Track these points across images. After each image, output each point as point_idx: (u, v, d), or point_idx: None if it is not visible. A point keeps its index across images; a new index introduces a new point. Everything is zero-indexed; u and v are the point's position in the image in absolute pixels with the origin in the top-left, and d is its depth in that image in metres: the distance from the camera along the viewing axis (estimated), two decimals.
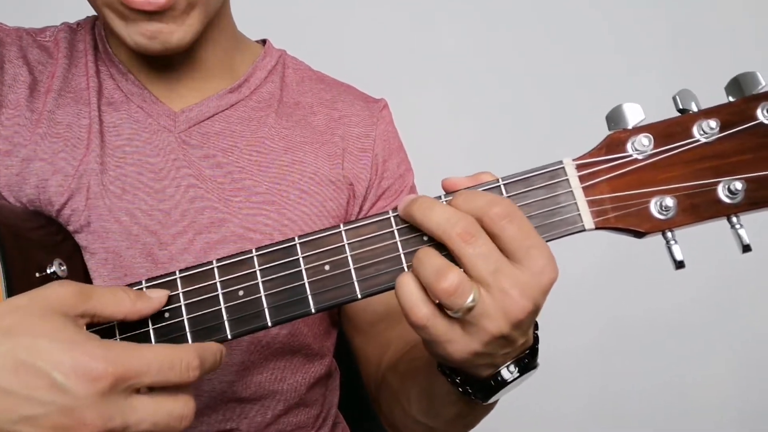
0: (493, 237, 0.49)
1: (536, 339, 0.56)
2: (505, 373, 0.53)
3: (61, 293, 0.47)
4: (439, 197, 0.53)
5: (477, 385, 0.55)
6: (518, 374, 0.53)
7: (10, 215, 0.69)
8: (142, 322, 0.54)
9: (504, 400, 0.57)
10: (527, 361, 0.54)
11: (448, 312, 0.48)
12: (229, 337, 0.54)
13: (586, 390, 1.65)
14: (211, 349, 0.51)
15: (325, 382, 0.88)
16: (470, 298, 0.47)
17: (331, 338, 0.88)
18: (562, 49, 1.53)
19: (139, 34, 0.67)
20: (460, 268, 0.49)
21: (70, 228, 0.72)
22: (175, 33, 0.69)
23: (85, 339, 0.45)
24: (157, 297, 0.53)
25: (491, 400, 0.56)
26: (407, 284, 0.50)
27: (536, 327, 0.56)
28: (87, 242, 0.72)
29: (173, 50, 0.70)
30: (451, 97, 1.54)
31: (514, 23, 1.53)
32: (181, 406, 0.48)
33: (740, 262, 1.49)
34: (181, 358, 0.47)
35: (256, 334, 0.75)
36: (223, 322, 0.54)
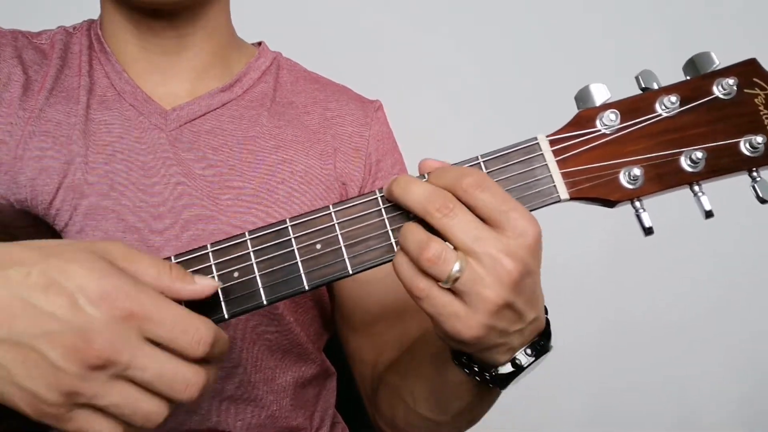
0: (470, 207, 0.51)
1: (548, 323, 0.58)
2: (522, 357, 0.55)
3: (110, 246, 0.49)
4: (423, 176, 0.56)
5: (494, 373, 0.56)
6: (534, 357, 0.55)
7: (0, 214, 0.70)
8: None
9: (505, 396, 0.59)
10: (543, 344, 0.56)
11: (439, 283, 0.50)
12: (226, 316, 0.56)
13: (586, 387, 1.66)
14: (225, 337, 0.51)
15: (321, 382, 0.88)
16: (455, 267, 0.49)
17: (322, 339, 0.88)
18: (556, 49, 1.56)
19: None
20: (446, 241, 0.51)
21: (57, 227, 0.73)
22: None
23: (118, 273, 0.47)
24: (201, 285, 0.52)
25: (509, 386, 0.57)
26: (401, 262, 0.52)
27: (546, 311, 0.58)
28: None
29: (172, 0, 0.73)
30: (443, 99, 1.56)
31: (509, 22, 1.56)
32: (192, 374, 0.48)
33: (741, 258, 1.55)
34: (198, 328, 0.48)
35: (246, 333, 0.77)
36: (220, 303, 0.55)
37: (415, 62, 1.54)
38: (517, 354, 0.55)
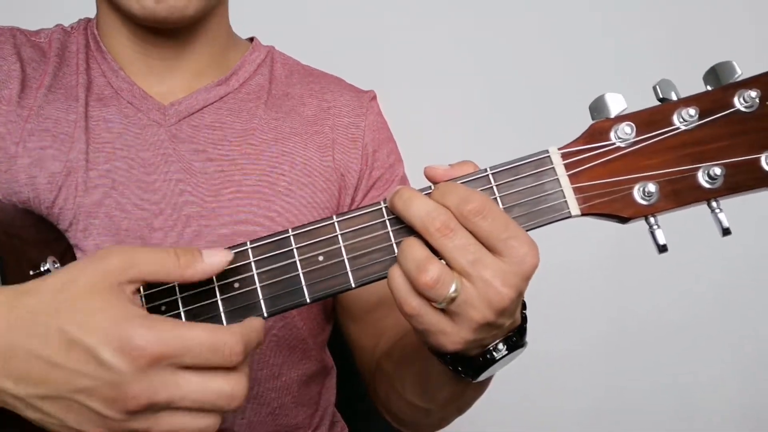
0: (471, 233, 0.50)
1: (524, 318, 0.57)
2: (494, 352, 0.55)
3: (105, 266, 0.48)
4: (429, 187, 0.54)
5: (467, 364, 0.57)
6: (506, 352, 0.55)
7: (1, 214, 0.70)
8: None
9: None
10: (515, 339, 0.56)
11: (433, 303, 0.50)
12: None
13: (589, 388, 1.65)
14: (254, 327, 0.50)
15: (321, 380, 0.88)
16: (452, 289, 0.49)
17: (324, 333, 0.88)
18: (554, 45, 1.54)
19: None
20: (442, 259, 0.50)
21: (61, 226, 0.72)
22: (181, 0, 0.71)
23: (131, 317, 0.46)
24: (210, 263, 0.51)
25: (481, 378, 0.57)
26: (396, 277, 0.51)
27: (524, 307, 0.58)
28: (77, 239, 0.72)
29: (176, 19, 0.72)
30: (442, 92, 1.54)
31: (505, 19, 1.54)
32: (232, 386, 0.47)
33: (745, 259, 1.53)
34: (225, 342, 0.47)
35: None
36: (220, 314, 0.55)
37: (416, 60, 1.52)
38: (489, 348, 0.55)
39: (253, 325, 0.50)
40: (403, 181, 0.89)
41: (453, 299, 0.49)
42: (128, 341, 0.45)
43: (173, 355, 0.46)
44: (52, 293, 0.47)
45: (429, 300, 0.50)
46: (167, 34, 0.77)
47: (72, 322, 0.46)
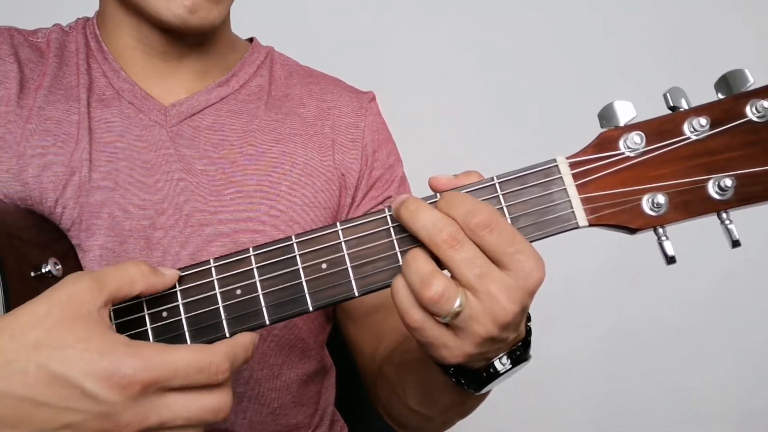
0: (477, 246, 0.49)
1: (529, 331, 0.57)
2: (498, 365, 0.54)
3: (77, 293, 0.47)
4: (434, 196, 0.53)
5: (470, 376, 0.56)
6: (510, 366, 0.55)
7: (2, 214, 0.69)
8: (139, 321, 0.54)
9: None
10: (519, 353, 0.55)
11: (437, 318, 0.49)
12: (227, 335, 0.54)
13: (593, 393, 1.65)
14: (243, 344, 0.51)
15: (320, 379, 0.88)
16: (456, 304, 0.48)
17: (324, 333, 0.88)
18: (554, 46, 1.54)
19: (182, 6, 0.70)
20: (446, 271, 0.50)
21: (63, 226, 0.72)
22: (213, 11, 0.72)
23: (114, 345, 0.46)
24: (170, 274, 0.53)
25: (484, 391, 0.57)
26: (400, 288, 0.51)
27: (528, 319, 0.57)
28: (79, 240, 0.72)
29: (206, 28, 0.73)
30: (442, 93, 1.54)
31: (505, 19, 1.54)
32: (218, 400, 0.48)
33: (746, 263, 1.53)
34: (211, 362, 0.47)
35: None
36: (221, 321, 0.54)
37: (416, 61, 1.52)
38: (493, 361, 0.55)
39: (240, 341, 0.51)
40: (403, 181, 0.89)
41: (457, 314, 0.48)
42: (115, 371, 0.45)
43: (161, 380, 0.46)
44: (27, 329, 0.46)
45: (432, 314, 0.49)
46: (178, 37, 0.77)
47: (52, 357, 0.45)
